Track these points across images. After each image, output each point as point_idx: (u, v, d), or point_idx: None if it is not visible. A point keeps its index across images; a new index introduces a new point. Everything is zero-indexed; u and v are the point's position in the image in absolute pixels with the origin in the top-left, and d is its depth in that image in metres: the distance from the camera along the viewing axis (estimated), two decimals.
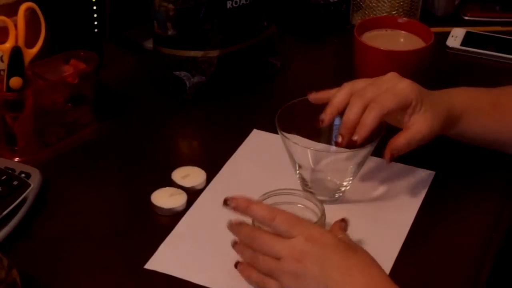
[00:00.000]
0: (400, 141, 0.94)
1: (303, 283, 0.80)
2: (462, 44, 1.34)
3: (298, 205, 0.91)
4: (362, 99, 0.93)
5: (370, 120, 0.91)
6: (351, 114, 0.92)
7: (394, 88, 0.94)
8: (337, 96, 0.95)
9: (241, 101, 1.19)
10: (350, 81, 0.96)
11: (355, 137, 0.91)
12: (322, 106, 1.00)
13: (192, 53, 1.15)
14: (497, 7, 1.46)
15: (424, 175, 1.03)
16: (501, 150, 1.02)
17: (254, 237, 0.84)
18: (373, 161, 1.02)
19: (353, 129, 0.92)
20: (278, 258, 0.81)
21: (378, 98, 0.92)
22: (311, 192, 0.95)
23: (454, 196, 1.00)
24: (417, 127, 0.94)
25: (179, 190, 0.98)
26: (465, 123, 0.98)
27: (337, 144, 0.93)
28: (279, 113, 0.96)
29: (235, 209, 0.84)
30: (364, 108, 0.92)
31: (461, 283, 0.88)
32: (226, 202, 0.85)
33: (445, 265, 0.90)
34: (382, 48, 1.08)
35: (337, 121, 0.98)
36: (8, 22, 0.99)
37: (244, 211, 0.84)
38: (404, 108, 0.94)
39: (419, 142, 0.95)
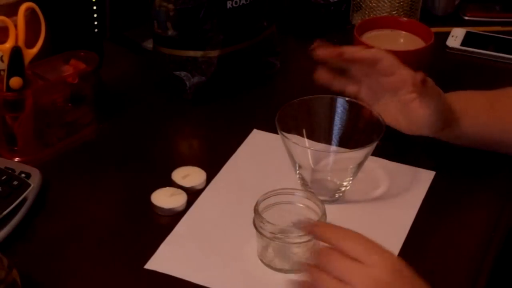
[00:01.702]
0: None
1: None
2: (462, 44, 1.34)
3: (299, 204, 0.91)
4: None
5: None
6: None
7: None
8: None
9: (241, 101, 1.19)
10: None
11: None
12: (321, 107, 1.01)
13: (192, 53, 1.15)
14: (497, 7, 1.46)
15: (424, 175, 1.03)
16: (502, 151, 1.02)
17: (330, 257, 0.74)
18: (373, 161, 1.02)
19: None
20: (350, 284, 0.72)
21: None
22: (311, 192, 0.95)
23: (454, 196, 1.00)
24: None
25: (179, 190, 0.98)
26: (463, 125, 0.98)
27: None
28: (279, 113, 0.96)
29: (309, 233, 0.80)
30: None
31: (461, 283, 0.88)
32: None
33: (445, 265, 0.90)
34: (382, 48, 1.08)
35: (336, 122, 0.98)
36: (8, 22, 0.99)
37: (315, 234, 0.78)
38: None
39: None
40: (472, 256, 0.91)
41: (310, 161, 0.95)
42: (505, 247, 0.95)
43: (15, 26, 0.99)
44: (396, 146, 1.09)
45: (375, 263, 0.72)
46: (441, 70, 1.28)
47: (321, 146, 1.00)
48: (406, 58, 1.09)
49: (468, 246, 0.92)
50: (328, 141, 1.01)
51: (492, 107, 1.00)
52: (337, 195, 0.98)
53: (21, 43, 0.99)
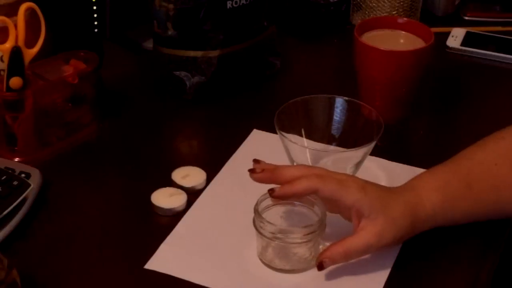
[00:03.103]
0: (335, 250, 0.84)
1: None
2: (462, 44, 1.34)
3: (299, 204, 0.91)
4: (305, 168, 0.88)
5: (298, 186, 0.84)
6: (287, 171, 0.87)
7: (344, 180, 0.85)
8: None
9: (241, 101, 1.19)
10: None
11: (275, 192, 0.85)
12: (320, 107, 1.01)
13: (192, 53, 1.15)
14: (497, 7, 1.46)
15: None
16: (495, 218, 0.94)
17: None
18: (372, 161, 1.02)
19: (273, 181, 0.87)
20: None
21: (321, 176, 0.85)
22: None
23: None
24: (363, 235, 0.84)
25: (179, 190, 0.98)
26: (441, 218, 0.88)
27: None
28: (277, 113, 0.96)
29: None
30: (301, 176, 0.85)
31: (462, 281, 0.88)
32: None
33: (445, 265, 0.90)
34: (382, 48, 1.08)
35: (335, 121, 0.98)
36: (8, 22, 0.99)
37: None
38: (338, 204, 0.85)
39: (362, 252, 0.85)
40: (473, 255, 0.91)
41: (309, 161, 0.95)
42: (506, 247, 0.95)
43: (15, 26, 0.99)
44: (395, 146, 1.09)
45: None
46: (441, 70, 1.28)
47: (319, 145, 1.00)
48: (406, 58, 1.09)
49: (468, 245, 0.92)
50: (327, 141, 1.01)
51: (470, 188, 0.88)
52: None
53: (21, 43, 0.99)
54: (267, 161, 1.03)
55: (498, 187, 0.89)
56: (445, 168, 0.90)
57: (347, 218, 0.86)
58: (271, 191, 0.85)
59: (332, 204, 0.86)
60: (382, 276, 0.87)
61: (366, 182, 0.87)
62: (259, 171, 0.87)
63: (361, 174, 0.97)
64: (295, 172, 0.86)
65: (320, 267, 0.84)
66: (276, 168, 0.88)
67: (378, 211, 0.84)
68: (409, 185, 0.89)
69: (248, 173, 0.98)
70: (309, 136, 1.00)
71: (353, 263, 0.87)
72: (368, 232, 0.84)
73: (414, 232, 0.87)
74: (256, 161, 0.89)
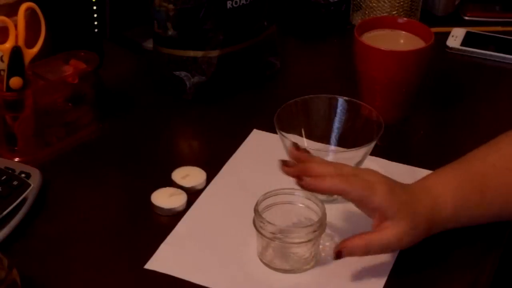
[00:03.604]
0: (356, 242, 0.84)
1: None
2: (462, 44, 1.34)
3: (299, 204, 0.91)
4: (334, 167, 0.87)
5: (326, 184, 0.84)
6: (317, 169, 0.86)
7: (371, 183, 0.84)
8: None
9: (241, 101, 1.19)
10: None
11: (303, 181, 0.85)
12: (320, 107, 1.01)
13: (192, 53, 1.15)
14: (497, 7, 1.46)
15: (423, 175, 1.02)
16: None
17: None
18: (372, 161, 1.02)
19: (301, 174, 0.86)
20: None
21: (349, 178, 0.85)
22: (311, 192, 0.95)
23: None
24: (385, 234, 0.84)
25: (179, 190, 0.98)
26: (452, 222, 0.88)
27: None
28: (277, 113, 0.96)
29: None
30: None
31: (461, 282, 0.88)
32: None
33: (445, 265, 0.90)
34: (382, 48, 1.08)
35: (335, 121, 0.98)
36: (8, 22, 0.99)
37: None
38: (364, 205, 0.85)
39: (382, 250, 0.86)
40: (473, 255, 0.91)
41: None
42: (506, 247, 0.95)
43: (15, 26, 0.99)
44: (395, 146, 1.09)
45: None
46: (441, 70, 1.28)
47: (319, 145, 1.00)
48: (406, 58, 1.09)
49: (469, 245, 0.92)
50: (327, 141, 1.01)
51: (481, 193, 0.88)
52: (336, 195, 0.98)
53: (21, 43, 0.99)
54: (267, 161, 1.03)
55: (508, 193, 0.88)
56: (458, 171, 0.90)
57: (370, 216, 0.86)
58: (299, 179, 0.85)
59: (358, 204, 0.86)
60: (382, 276, 0.87)
61: (393, 184, 0.86)
62: (292, 164, 0.87)
63: None
64: (325, 170, 0.86)
65: (338, 255, 0.84)
66: (307, 164, 0.87)
67: (403, 216, 0.84)
68: (425, 187, 0.88)
69: (248, 173, 0.98)
70: (309, 136, 1.00)
71: (353, 263, 0.87)
72: (390, 232, 0.84)
73: (427, 236, 0.87)
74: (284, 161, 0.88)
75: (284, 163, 0.87)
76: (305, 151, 0.90)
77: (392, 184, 0.86)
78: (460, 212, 0.87)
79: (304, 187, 0.85)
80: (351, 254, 0.85)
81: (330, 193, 0.87)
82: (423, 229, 0.86)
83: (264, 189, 0.90)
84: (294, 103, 0.99)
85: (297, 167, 0.87)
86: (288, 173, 0.87)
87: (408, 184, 0.88)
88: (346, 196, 0.85)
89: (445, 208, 0.87)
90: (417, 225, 0.85)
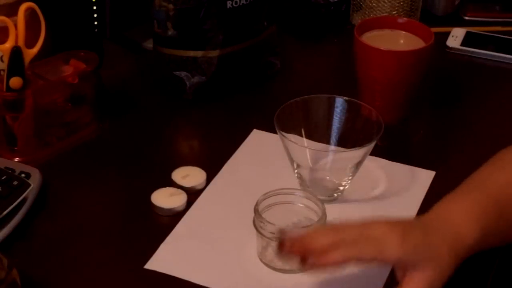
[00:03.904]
0: None
1: None
2: (462, 44, 1.34)
3: (299, 204, 0.91)
4: (334, 234, 0.77)
5: (334, 258, 0.75)
6: (316, 241, 0.76)
7: (381, 239, 0.76)
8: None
9: (241, 101, 1.19)
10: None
11: (308, 265, 0.76)
12: (320, 107, 1.01)
13: (192, 53, 1.15)
14: (497, 7, 1.46)
15: (424, 175, 1.03)
16: None
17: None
18: (372, 161, 1.02)
19: (300, 250, 0.76)
20: None
21: (356, 242, 0.76)
22: (311, 192, 0.95)
23: None
24: (413, 285, 0.76)
25: (179, 190, 0.98)
26: (478, 247, 0.81)
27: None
28: (277, 113, 0.96)
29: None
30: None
31: (461, 282, 0.88)
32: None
33: None
34: (382, 48, 1.08)
35: (335, 121, 0.98)
36: (8, 22, 0.99)
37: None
38: (382, 264, 0.81)
39: None
40: (473, 256, 0.91)
41: (309, 161, 0.95)
42: (506, 247, 0.95)
43: (15, 26, 0.99)
44: (396, 146, 1.09)
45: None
46: (441, 70, 1.28)
47: (319, 145, 1.00)
48: (406, 58, 1.09)
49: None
50: (327, 141, 1.00)
51: (501, 214, 0.83)
52: (336, 195, 0.98)
53: (21, 43, 0.99)
54: (267, 161, 1.04)
55: None
56: (475, 194, 0.83)
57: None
58: (303, 261, 0.76)
59: (376, 265, 0.82)
60: (382, 276, 0.87)
61: (404, 229, 0.77)
62: (289, 244, 0.77)
63: (361, 174, 0.98)
64: (325, 241, 0.77)
65: None
66: (304, 239, 0.77)
67: (424, 262, 0.76)
68: (442, 218, 0.80)
69: (248, 173, 0.98)
70: (309, 136, 1.00)
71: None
72: (418, 284, 0.76)
73: (457, 266, 0.79)
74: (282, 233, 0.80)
75: (281, 244, 0.77)
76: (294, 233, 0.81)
77: (402, 229, 0.77)
78: (485, 237, 0.80)
79: (311, 268, 0.78)
80: None
81: (341, 265, 0.79)
82: (451, 267, 0.77)
83: (264, 189, 0.90)
84: (294, 103, 0.99)
85: (297, 245, 0.77)
86: (290, 253, 0.78)
87: (421, 218, 0.81)
88: (359, 262, 0.79)
89: (470, 236, 0.79)
90: (442, 267, 0.77)
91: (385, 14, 1.34)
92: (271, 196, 0.90)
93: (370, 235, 0.76)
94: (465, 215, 0.80)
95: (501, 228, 0.82)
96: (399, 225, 0.77)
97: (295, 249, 0.77)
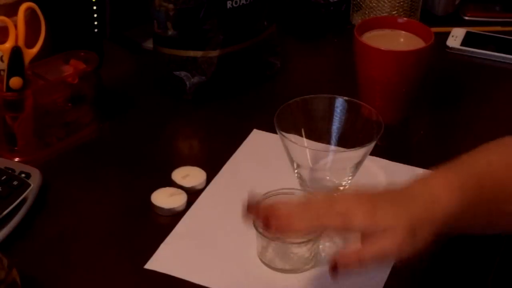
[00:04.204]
0: (349, 254, 0.75)
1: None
2: (462, 44, 1.34)
3: None
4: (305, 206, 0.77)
5: (298, 225, 0.75)
6: (282, 205, 0.77)
7: (346, 212, 0.75)
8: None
9: (241, 101, 1.19)
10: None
11: (269, 226, 0.76)
12: (320, 107, 1.01)
13: (192, 53, 1.15)
14: (497, 7, 1.46)
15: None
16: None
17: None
18: (372, 161, 1.02)
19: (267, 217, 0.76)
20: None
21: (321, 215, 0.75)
22: (311, 192, 0.95)
23: None
24: (380, 244, 0.75)
25: (179, 190, 0.98)
26: (457, 220, 0.79)
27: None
28: (277, 113, 0.96)
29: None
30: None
31: (461, 282, 0.88)
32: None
33: (445, 264, 0.90)
34: (382, 48, 1.08)
35: (335, 121, 0.98)
36: (8, 22, 0.99)
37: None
38: (349, 234, 0.79)
39: (377, 261, 0.76)
40: (473, 254, 0.91)
41: (309, 161, 0.95)
42: (506, 247, 0.95)
43: (15, 26, 0.99)
44: (396, 146, 1.09)
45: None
46: (441, 70, 1.28)
47: (319, 145, 1.00)
48: (406, 58, 1.09)
49: (469, 245, 0.92)
50: (327, 141, 1.00)
51: (481, 195, 0.81)
52: (335, 195, 0.98)
53: (21, 43, 0.99)
54: (267, 161, 1.04)
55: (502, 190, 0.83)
56: (455, 169, 0.82)
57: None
58: (266, 224, 0.76)
59: (343, 236, 0.81)
60: (382, 276, 0.87)
61: (372, 200, 0.76)
62: (256, 208, 0.77)
63: (361, 174, 0.98)
64: (292, 209, 0.77)
65: (334, 269, 0.76)
66: (271, 206, 0.77)
67: (391, 230, 0.74)
68: (419, 188, 0.79)
69: (248, 173, 0.98)
70: (309, 136, 1.00)
71: None
72: (385, 242, 0.74)
73: (434, 238, 0.76)
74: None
75: (245, 206, 0.77)
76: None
77: (371, 200, 0.76)
78: (465, 213, 0.78)
79: (273, 231, 0.76)
80: (346, 266, 0.76)
81: (304, 235, 0.80)
82: (426, 235, 0.75)
83: (264, 189, 0.90)
84: (294, 103, 0.99)
85: (262, 209, 0.77)
86: (253, 215, 0.78)
87: (395, 188, 0.80)
88: (325, 233, 0.79)
89: (449, 205, 0.77)
90: (417, 235, 0.75)
91: (385, 14, 1.34)
92: (271, 196, 0.90)
93: (337, 209, 0.75)
94: (444, 186, 0.78)
95: (481, 208, 0.80)
96: (367, 196, 0.77)
97: (260, 213, 0.76)
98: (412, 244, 0.75)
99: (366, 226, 0.74)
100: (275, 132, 0.96)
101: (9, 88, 1.00)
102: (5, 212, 0.91)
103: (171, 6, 1.13)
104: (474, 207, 0.80)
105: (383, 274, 0.87)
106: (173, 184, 1.00)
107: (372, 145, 0.94)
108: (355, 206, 0.75)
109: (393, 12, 1.34)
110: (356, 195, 0.77)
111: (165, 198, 0.97)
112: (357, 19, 1.37)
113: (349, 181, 0.97)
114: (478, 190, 0.80)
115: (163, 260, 0.89)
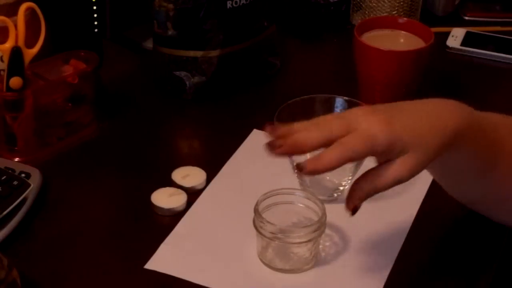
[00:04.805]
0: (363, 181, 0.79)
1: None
2: (462, 44, 1.34)
3: (299, 204, 0.91)
4: (325, 130, 0.77)
5: (330, 159, 0.75)
6: (308, 138, 0.77)
7: (364, 130, 0.76)
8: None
9: (241, 101, 1.19)
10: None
11: (305, 168, 0.76)
12: (320, 107, 1.01)
13: (192, 53, 1.15)
14: (497, 7, 1.46)
15: (424, 175, 1.02)
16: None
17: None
18: (372, 161, 1.02)
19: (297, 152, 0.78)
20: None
21: (345, 139, 0.76)
22: (311, 192, 0.95)
23: None
24: (397, 169, 0.77)
25: (179, 190, 0.98)
26: (463, 138, 0.82)
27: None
28: (277, 113, 0.96)
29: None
30: (325, 142, 0.76)
31: (461, 282, 0.88)
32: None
33: (445, 264, 0.90)
34: (382, 48, 1.08)
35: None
36: (8, 22, 0.99)
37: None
38: (374, 155, 0.78)
39: (392, 185, 0.79)
40: (473, 255, 0.91)
41: None
42: (506, 247, 0.95)
43: (15, 26, 0.99)
44: None
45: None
46: (441, 70, 1.28)
47: None
48: (406, 58, 1.09)
49: (469, 245, 0.92)
50: None
51: (480, 129, 0.86)
52: (336, 195, 0.98)
53: (21, 43, 0.99)
54: (267, 161, 1.03)
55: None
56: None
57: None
58: (299, 167, 0.76)
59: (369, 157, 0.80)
60: (382, 276, 0.87)
61: (389, 115, 0.77)
62: (278, 146, 0.77)
63: (360, 173, 0.97)
64: (315, 138, 0.77)
65: (354, 209, 0.79)
66: (293, 137, 0.77)
67: (410, 146, 0.76)
68: (426, 107, 0.81)
69: (248, 173, 0.98)
70: None
71: (353, 263, 0.87)
72: (405, 165, 0.77)
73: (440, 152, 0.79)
74: (271, 130, 0.79)
75: (270, 147, 0.77)
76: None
77: (386, 115, 0.77)
78: (466, 137, 0.81)
79: (309, 173, 0.77)
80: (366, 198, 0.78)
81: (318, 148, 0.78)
82: (436, 150, 0.77)
83: (264, 189, 0.90)
84: (294, 103, 0.99)
85: (286, 148, 0.77)
86: (278, 153, 0.77)
87: (403, 103, 0.80)
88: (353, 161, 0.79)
89: (455, 121, 0.80)
90: (429, 150, 0.77)
91: (385, 14, 1.34)
92: (271, 196, 0.90)
93: (360, 129, 0.75)
94: (456, 104, 0.83)
95: (481, 139, 0.84)
96: (381, 112, 0.77)
97: (285, 147, 0.77)
98: (423, 165, 0.77)
99: (387, 147, 0.76)
100: None
101: (9, 88, 1.00)
102: (5, 212, 0.91)
103: (171, 6, 1.13)
104: (476, 133, 0.83)
105: (383, 274, 0.87)
106: (173, 184, 1.00)
107: None
108: (376, 123, 0.76)
109: (393, 12, 1.34)
110: (370, 110, 0.78)
111: (165, 198, 0.97)
112: (357, 19, 1.37)
113: (349, 181, 0.97)
114: (484, 120, 0.86)
115: (163, 260, 0.89)
